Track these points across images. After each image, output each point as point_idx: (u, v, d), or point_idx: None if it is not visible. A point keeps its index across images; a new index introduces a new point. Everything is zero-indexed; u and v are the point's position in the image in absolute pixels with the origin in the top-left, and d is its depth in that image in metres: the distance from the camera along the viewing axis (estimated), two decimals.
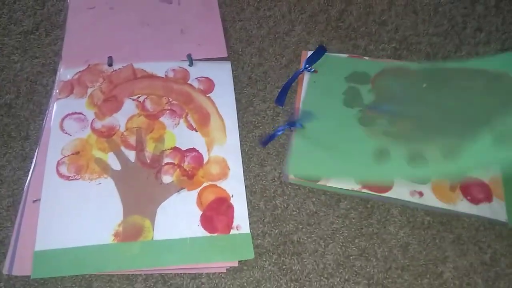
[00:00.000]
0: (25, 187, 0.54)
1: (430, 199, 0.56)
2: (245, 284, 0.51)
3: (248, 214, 0.55)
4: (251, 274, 0.51)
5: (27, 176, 0.55)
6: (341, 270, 0.52)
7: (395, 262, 0.53)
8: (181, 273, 0.51)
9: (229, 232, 0.53)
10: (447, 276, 0.52)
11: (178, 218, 0.53)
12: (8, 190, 0.55)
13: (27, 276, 0.49)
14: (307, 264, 0.53)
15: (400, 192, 0.56)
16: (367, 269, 0.53)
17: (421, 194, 0.56)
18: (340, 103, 0.64)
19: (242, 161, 0.58)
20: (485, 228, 0.56)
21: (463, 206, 0.56)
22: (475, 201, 0.56)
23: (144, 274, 0.50)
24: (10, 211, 0.53)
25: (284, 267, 0.52)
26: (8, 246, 0.50)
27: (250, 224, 0.54)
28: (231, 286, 0.50)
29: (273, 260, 0.53)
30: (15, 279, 0.49)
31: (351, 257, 0.53)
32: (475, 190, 0.57)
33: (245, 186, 0.57)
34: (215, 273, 0.51)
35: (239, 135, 0.61)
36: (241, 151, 0.59)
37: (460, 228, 0.56)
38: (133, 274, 0.50)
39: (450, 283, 0.52)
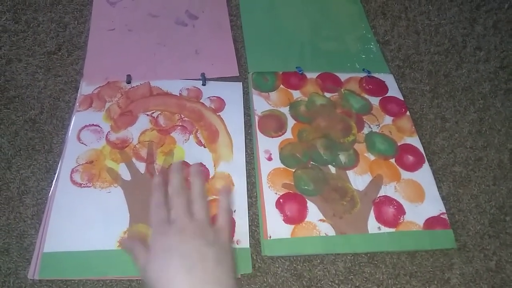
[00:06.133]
0: (48, 197, 0.57)
1: None
2: None
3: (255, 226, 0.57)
4: (265, 280, 0.53)
5: (50, 186, 0.58)
6: (352, 276, 0.54)
7: (403, 269, 0.55)
8: None
9: None
10: (454, 282, 0.54)
11: None
12: (33, 200, 0.57)
13: (51, 281, 0.51)
14: (319, 270, 0.54)
15: None
16: (377, 276, 0.54)
17: None
18: None
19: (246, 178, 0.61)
20: (489, 236, 0.58)
21: None
22: None
23: None
24: (34, 219, 0.56)
25: (296, 273, 0.54)
26: (33, 253, 0.53)
27: (263, 231, 0.56)
28: None
29: (286, 267, 0.54)
30: (39, 284, 0.51)
31: (361, 264, 0.55)
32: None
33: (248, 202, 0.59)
34: None
35: (245, 153, 0.63)
36: (246, 169, 0.62)
37: (465, 236, 0.58)
38: None
39: None
